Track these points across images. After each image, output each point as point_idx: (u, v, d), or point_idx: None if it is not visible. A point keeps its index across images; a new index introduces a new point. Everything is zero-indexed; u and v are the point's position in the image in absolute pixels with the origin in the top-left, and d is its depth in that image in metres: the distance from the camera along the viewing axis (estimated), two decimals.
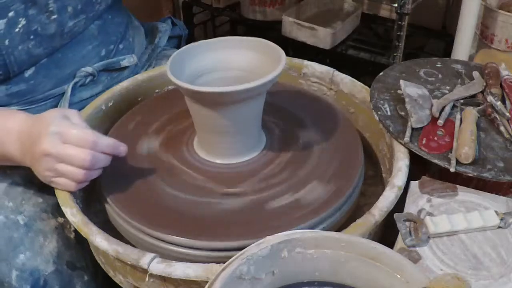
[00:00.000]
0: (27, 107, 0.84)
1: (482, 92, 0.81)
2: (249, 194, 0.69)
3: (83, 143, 0.67)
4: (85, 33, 0.88)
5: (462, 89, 0.81)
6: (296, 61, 0.94)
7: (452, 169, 0.67)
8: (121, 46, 0.95)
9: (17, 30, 0.76)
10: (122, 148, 0.70)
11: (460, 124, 0.73)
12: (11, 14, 0.75)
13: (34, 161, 0.69)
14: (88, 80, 0.89)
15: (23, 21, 0.76)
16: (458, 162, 0.68)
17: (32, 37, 0.78)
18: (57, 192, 0.71)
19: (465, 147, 0.68)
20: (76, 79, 0.87)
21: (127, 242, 0.65)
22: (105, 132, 0.82)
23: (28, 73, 0.82)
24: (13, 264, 0.74)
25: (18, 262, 0.74)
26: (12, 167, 0.80)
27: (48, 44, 0.81)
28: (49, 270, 0.76)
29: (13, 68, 0.78)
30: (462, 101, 0.79)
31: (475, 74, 0.84)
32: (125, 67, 0.95)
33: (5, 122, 0.72)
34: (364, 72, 1.21)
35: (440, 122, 0.74)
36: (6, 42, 0.75)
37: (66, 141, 0.66)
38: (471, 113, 0.74)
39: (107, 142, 0.69)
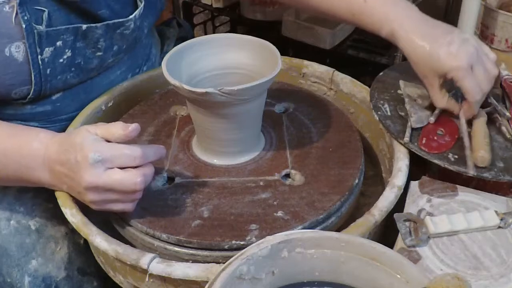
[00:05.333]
0: (48, 125, 0.82)
1: None
2: (250, 194, 0.69)
3: (131, 162, 0.61)
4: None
5: None
6: (296, 61, 0.93)
7: (471, 172, 0.67)
8: (145, 68, 0.97)
9: (61, 60, 0.75)
10: (162, 150, 0.66)
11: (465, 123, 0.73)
12: (59, 43, 0.73)
13: (77, 193, 0.65)
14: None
15: (68, 53, 0.75)
16: (456, 161, 0.68)
17: (73, 69, 0.77)
18: (57, 193, 0.70)
19: (481, 150, 0.68)
20: None
21: (127, 242, 0.65)
22: None
23: (55, 96, 0.81)
24: (26, 270, 0.74)
25: (31, 268, 0.74)
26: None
27: (84, 76, 0.81)
28: (60, 276, 0.76)
29: (45, 92, 0.77)
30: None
31: None
32: None
33: (30, 143, 0.66)
34: (364, 72, 1.21)
35: (432, 119, 0.74)
36: (48, 71, 0.74)
37: (111, 165, 0.61)
38: (480, 115, 0.74)
39: (152, 150, 0.64)
